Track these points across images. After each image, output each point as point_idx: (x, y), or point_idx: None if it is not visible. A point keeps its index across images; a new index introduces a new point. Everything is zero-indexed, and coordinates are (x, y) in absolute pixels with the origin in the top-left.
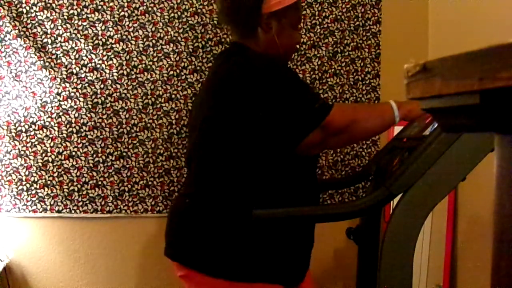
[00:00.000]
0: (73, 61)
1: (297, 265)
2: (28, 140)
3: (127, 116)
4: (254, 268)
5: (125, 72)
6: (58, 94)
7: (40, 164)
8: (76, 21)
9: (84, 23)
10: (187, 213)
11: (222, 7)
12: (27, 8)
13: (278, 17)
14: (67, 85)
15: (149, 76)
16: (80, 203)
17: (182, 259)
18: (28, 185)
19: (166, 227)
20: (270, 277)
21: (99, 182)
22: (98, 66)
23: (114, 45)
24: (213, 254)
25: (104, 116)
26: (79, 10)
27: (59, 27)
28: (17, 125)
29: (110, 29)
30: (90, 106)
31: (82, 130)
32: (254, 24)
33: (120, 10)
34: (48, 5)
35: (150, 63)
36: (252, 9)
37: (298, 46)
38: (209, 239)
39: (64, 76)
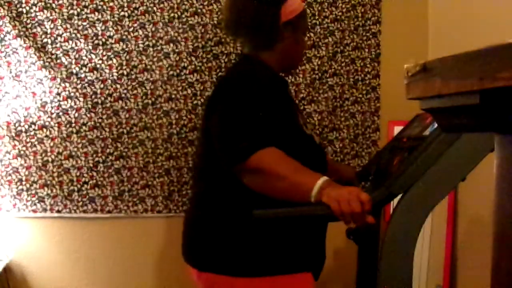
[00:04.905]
0: (73, 61)
1: (315, 250)
2: (28, 140)
3: (127, 116)
4: (278, 261)
5: (125, 72)
6: (58, 94)
7: (40, 164)
8: (76, 21)
9: (84, 23)
10: (201, 222)
11: (236, 19)
12: (27, 8)
13: (293, 25)
14: (67, 85)
15: (149, 76)
16: (80, 203)
17: (215, 268)
18: (28, 185)
19: (183, 240)
20: (295, 267)
21: (99, 182)
22: (98, 66)
23: (114, 45)
24: (237, 255)
25: (104, 116)
26: (79, 10)
27: (59, 27)
28: (17, 125)
29: (110, 29)
30: (90, 106)
31: (82, 130)
32: (274, 34)
33: (120, 10)
34: (48, 5)
35: (150, 63)
36: (272, 23)
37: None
38: (230, 242)
39: (64, 76)
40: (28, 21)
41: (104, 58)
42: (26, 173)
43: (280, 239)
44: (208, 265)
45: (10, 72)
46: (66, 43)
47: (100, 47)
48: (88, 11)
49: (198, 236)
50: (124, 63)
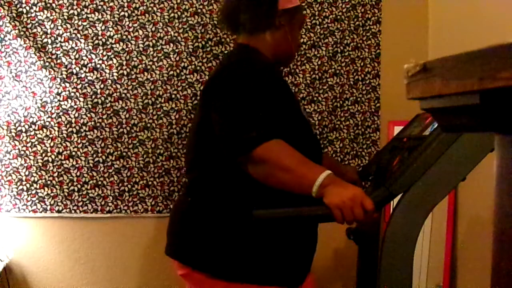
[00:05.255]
0: (73, 61)
1: (298, 267)
2: (28, 140)
3: (127, 116)
4: (254, 269)
5: (125, 72)
6: (58, 94)
7: (40, 164)
8: (76, 21)
9: (84, 23)
10: (188, 212)
11: (233, 6)
12: (27, 8)
13: (290, 15)
14: (67, 85)
15: (149, 76)
16: (80, 203)
17: (182, 258)
18: (28, 185)
19: (168, 226)
20: (270, 279)
21: (99, 182)
22: (98, 66)
23: (114, 45)
24: (214, 254)
25: (104, 116)
26: (79, 10)
27: (59, 27)
28: (17, 125)
29: (110, 29)
30: (90, 106)
31: (82, 130)
32: (270, 20)
33: (120, 10)
34: (48, 5)
35: (150, 63)
36: (270, 4)
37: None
38: (210, 239)
39: (64, 76)
40: (28, 21)
41: (104, 58)
42: (26, 173)
43: (268, 247)
44: (183, 256)
45: (10, 72)
46: (66, 43)
47: (100, 47)
48: (88, 11)
49: (180, 224)
50: (124, 63)
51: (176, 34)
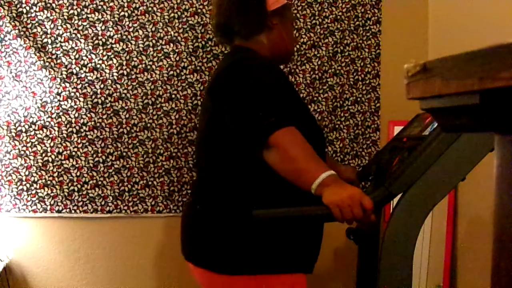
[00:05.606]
0: (73, 61)
1: (308, 253)
2: (28, 140)
3: (127, 116)
4: (272, 260)
5: (125, 72)
6: (58, 94)
7: (40, 164)
8: (76, 21)
9: (84, 23)
10: (199, 219)
11: (224, 18)
12: (27, 8)
13: (280, 14)
14: (67, 85)
15: (149, 76)
16: (80, 203)
17: (206, 264)
18: (28, 185)
19: (181, 235)
20: (290, 267)
21: (99, 182)
22: (98, 66)
23: (114, 45)
24: (231, 253)
25: (104, 116)
26: (79, 10)
27: (59, 27)
28: (17, 125)
29: (110, 29)
30: (90, 106)
31: (82, 130)
32: (262, 22)
33: (120, 10)
34: (48, 5)
35: (150, 63)
36: (259, 7)
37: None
38: (225, 240)
39: (64, 76)
40: (28, 21)
41: (104, 58)
42: (26, 173)
43: (277, 238)
44: (201, 260)
45: (10, 72)
46: (66, 43)
47: (100, 47)
48: (88, 11)
49: (194, 230)
50: (124, 63)
51: (176, 34)
